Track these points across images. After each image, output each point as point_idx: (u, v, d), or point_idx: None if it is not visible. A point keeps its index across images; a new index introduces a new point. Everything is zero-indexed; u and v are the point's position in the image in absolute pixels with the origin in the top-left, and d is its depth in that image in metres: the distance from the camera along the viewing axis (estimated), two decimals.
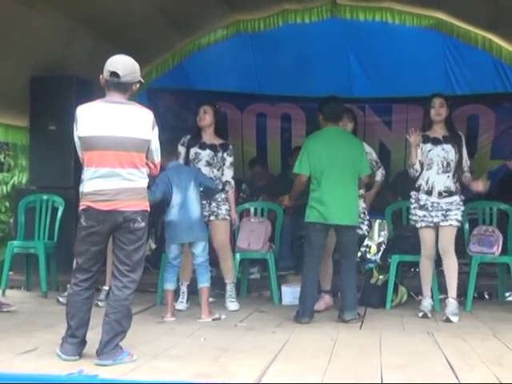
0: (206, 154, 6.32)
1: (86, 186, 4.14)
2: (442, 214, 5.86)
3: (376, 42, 8.31)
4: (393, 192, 7.84)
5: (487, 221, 6.80)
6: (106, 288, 6.12)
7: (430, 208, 5.90)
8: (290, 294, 6.49)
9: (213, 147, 6.35)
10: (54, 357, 4.15)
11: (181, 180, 5.85)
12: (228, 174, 6.38)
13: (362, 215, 6.37)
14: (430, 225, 5.90)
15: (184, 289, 6.26)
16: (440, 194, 5.91)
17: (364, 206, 6.49)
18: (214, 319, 5.69)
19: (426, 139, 5.95)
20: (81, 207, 4.16)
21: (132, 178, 4.13)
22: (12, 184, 9.04)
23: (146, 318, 5.71)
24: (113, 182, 4.09)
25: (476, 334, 5.21)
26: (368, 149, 6.45)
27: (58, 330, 4.47)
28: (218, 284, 6.56)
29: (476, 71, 8.50)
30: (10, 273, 7.05)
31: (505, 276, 6.74)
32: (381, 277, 6.63)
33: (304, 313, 5.64)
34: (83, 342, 4.19)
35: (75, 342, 4.14)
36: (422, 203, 5.92)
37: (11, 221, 8.48)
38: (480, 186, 6.00)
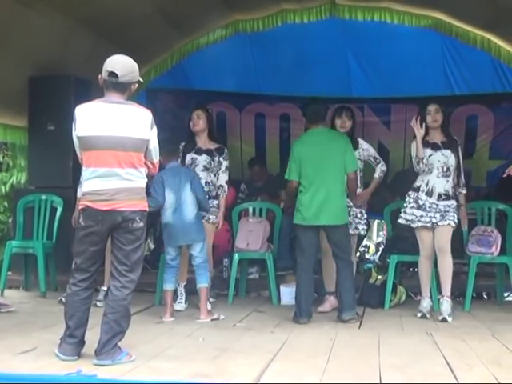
0: (202, 159, 6.31)
1: (84, 186, 4.15)
2: (441, 215, 5.86)
3: (375, 41, 8.31)
4: (391, 192, 7.83)
5: (486, 221, 6.79)
6: (105, 288, 6.11)
7: (429, 209, 5.90)
8: (289, 293, 6.47)
9: (209, 152, 6.34)
10: (52, 357, 4.15)
11: (174, 182, 5.80)
12: (222, 179, 6.38)
13: (359, 215, 6.35)
14: (426, 225, 5.90)
15: (181, 289, 6.24)
16: (440, 196, 5.91)
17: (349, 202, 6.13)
18: (212, 319, 5.68)
19: (426, 144, 5.92)
20: (79, 207, 4.18)
21: (130, 177, 4.12)
22: (11, 184, 9.02)
23: (144, 318, 5.70)
24: (111, 182, 4.08)
25: (475, 334, 5.21)
26: (365, 145, 6.44)
27: (57, 330, 4.47)
28: (217, 284, 6.55)
29: (475, 71, 8.50)
30: (9, 273, 7.04)
31: (503, 276, 6.72)
32: (379, 277, 6.64)
33: (301, 313, 5.63)
34: (82, 342, 4.19)
35: (74, 342, 4.14)
36: (420, 203, 5.92)
37: (10, 221, 8.47)
38: (462, 216, 6.13)
